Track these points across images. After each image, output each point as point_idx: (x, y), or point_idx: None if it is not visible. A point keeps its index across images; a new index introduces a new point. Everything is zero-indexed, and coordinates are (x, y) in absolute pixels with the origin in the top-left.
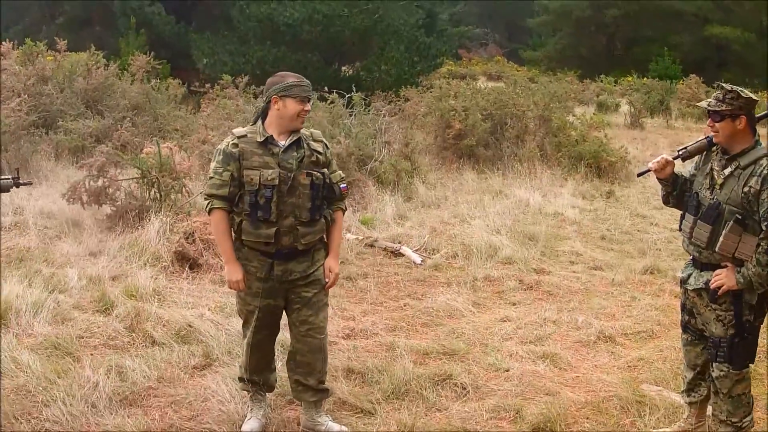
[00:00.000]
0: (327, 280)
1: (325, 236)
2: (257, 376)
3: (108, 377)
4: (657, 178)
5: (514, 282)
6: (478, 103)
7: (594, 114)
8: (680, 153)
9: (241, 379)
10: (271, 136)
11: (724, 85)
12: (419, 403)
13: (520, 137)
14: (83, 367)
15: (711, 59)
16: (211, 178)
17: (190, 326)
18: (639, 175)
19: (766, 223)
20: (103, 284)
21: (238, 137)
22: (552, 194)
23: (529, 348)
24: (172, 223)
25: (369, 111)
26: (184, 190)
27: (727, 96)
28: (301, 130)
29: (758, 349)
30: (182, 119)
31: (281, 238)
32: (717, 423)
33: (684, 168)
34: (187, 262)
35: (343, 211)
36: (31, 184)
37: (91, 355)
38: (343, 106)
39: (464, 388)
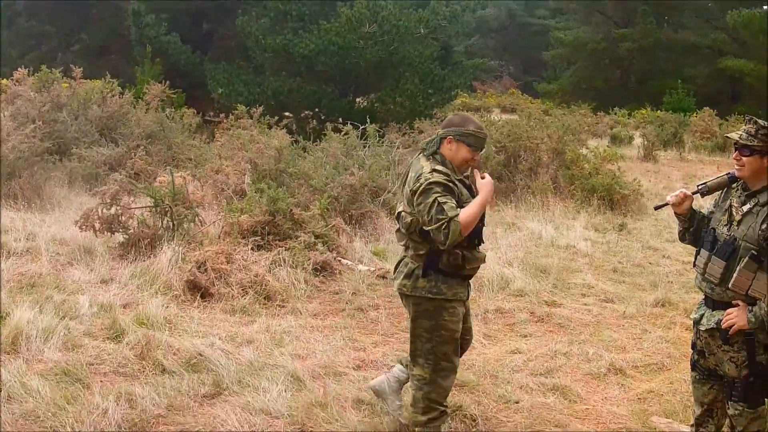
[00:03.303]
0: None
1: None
2: None
3: (117, 404)
4: (674, 212)
5: (525, 314)
6: (492, 136)
7: (608, 147)
8: (700, 188)
9: (445, 412)
10: (464, 176)
11: (759, 120)
12: None
13: (534, 170)
14: (93, 394)
15: (725, 92)
16: (443, 203)
17: (200, 355)
18: (656, 208)
19: None
20: (114, 312)
21: (445, 174)
22: (564, 227)
23: (539, 380)
24: (184, 252)
25: (383, 143)
26: (197, 219)
27: (760, 131)
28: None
29: None
30: (196, 149)
31: None
32: None
33: (703, 205)
34: (198, 291)
35: None
36: None
37: (101, 382)
38: (357, 137)
39: (474, 420)
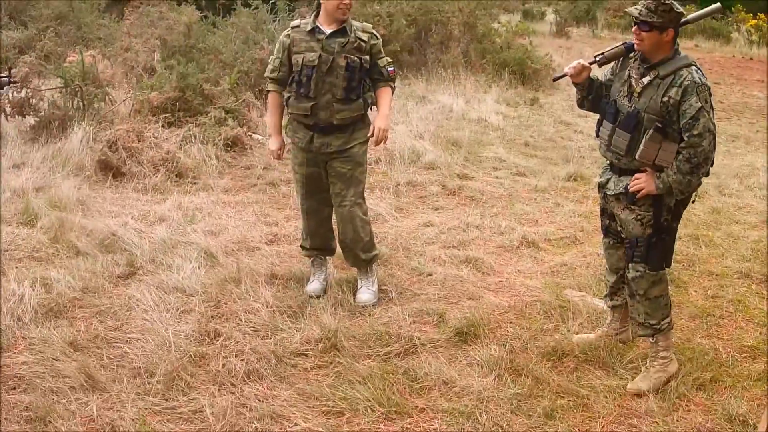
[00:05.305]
0: (372, 136)
1: (363, 116)
2: (317, 240)
3: (33, 289)
4: (572, 82)
5: (437, 187)
6: (403, 9)
7: (520, 22)
8: (597, 58)
9: (302, 247)
10: (318, 26)
11: None
12: (342, 307)
13: (445, 43)
14: (8, 280)
15: None
16: (269, 64)
17: (113, 235)
18: (555, 79)
19: (687, 134)
20: (27, 196)
21: (292, 28)
22: (476, 100)
23: (452, 252)
24: (95, 132)
25: (293, 16)
26: (107, 98)
27: (659, 7)
28: (353, 23)
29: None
30: (105, 28)
31: (318, 113)
32: (635, 326)
33: (601, 72)
34: (110, 171)
35: (392, 88)
36: (18, 83)
37: (16, 268)
38: (267, 11)
39: (387, 293)
